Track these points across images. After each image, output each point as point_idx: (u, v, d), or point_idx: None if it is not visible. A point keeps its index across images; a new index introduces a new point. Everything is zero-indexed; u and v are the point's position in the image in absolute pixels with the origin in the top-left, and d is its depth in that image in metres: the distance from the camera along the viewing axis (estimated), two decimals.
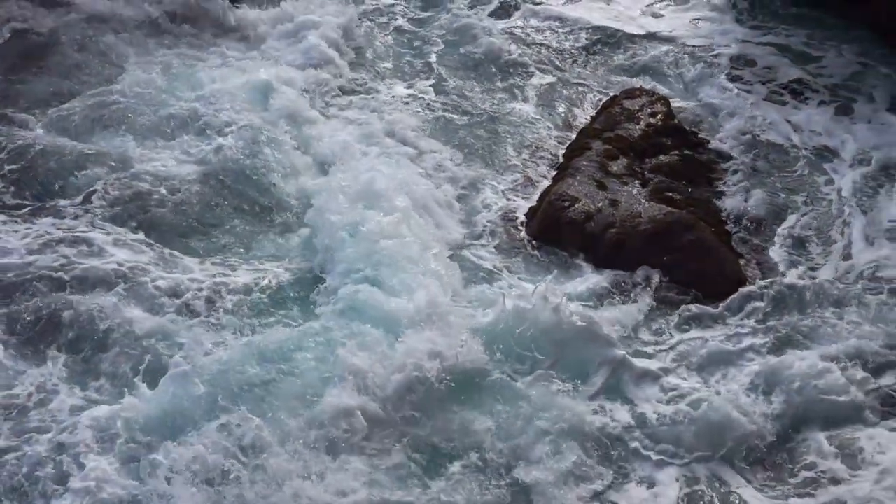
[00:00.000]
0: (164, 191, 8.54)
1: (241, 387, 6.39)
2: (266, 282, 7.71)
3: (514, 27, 12.40)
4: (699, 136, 9.98)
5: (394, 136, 9.75)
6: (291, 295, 7.63)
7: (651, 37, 12.37)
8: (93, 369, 6.73)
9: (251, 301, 7.49)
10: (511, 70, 11.31)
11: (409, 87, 10.94)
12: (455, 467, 6.18)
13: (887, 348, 7.11)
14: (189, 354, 6.57)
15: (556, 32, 12.47)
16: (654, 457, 6.42)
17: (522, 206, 8.99)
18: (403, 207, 8.09)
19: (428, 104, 10.56)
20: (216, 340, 6.95)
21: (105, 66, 10.40)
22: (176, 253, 7.95)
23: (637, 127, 9.68)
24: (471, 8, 12.64)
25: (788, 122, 10.30)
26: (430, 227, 8.25)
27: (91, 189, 8.46)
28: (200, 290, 7.51)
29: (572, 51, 11.98)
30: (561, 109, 10.65)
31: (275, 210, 8.65)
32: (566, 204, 8.55)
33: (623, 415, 6.66)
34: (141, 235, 8.07)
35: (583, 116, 10.46)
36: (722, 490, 6.23)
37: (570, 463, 6.18)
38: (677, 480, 6.27)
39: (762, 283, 7.87)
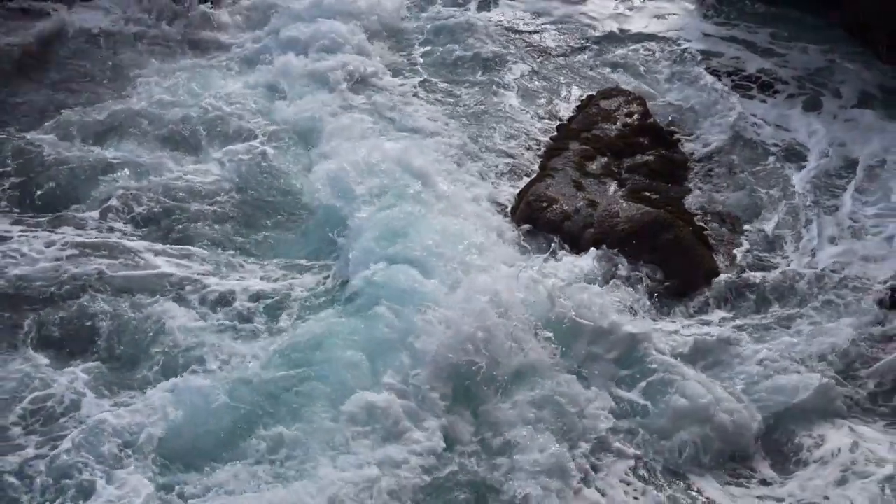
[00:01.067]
0: (187, 199, 8.60)
1: (270, 393, 6.42)
2: (299, 282, 7.81)
3: (496, 22, 12.79)
4: (675, 135, 10.32)
5: (393, 124, 10.11)
6: (323, 291, 7.71)
7: (624, 32, 12.81)
8: (123, 378, 6.70)
9: (283, 304, 7.54)
10: (493, 64, 11.68)
11: (397, 79, 11.21)
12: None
13: (845, 342, 7.46)
14: (216, 363, 6.63)
15: (531, 26, 12.85)
16: (622, 441, 6.69)
17: (509, 192, 9.29)
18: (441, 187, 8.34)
19: (416, 94, 10.85)
20: (247, 347, 6.93)
21: (113, 75, 10.50)
22: (205, 260, 7.99)
23: (614, 127, 9.98)
24: (454, 5, 12.99)
25: (760, 118, 10.71)
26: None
27: (109, 198, 8.47)
28: (231, 297, 7.57)
29: (549, 45, 12.37)
30: (542, 101, 10.98)
31: (299, 210, 8.75)
32: (544, 205, 8.79)
33: (591, 397, 6.88)
34: (167, 244, 8.13)
35: (563, 108, 10.80)
36: (675, 474, 6.56)
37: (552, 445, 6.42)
38: (636, 461, 6.57)
39: (733, 279, 8.23)
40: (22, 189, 8.55)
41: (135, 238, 8.16)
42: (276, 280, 7.86)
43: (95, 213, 8.34)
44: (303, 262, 8.14)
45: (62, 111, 9.59)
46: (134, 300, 7.34)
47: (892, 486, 6.24)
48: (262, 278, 7.86)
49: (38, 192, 8.51)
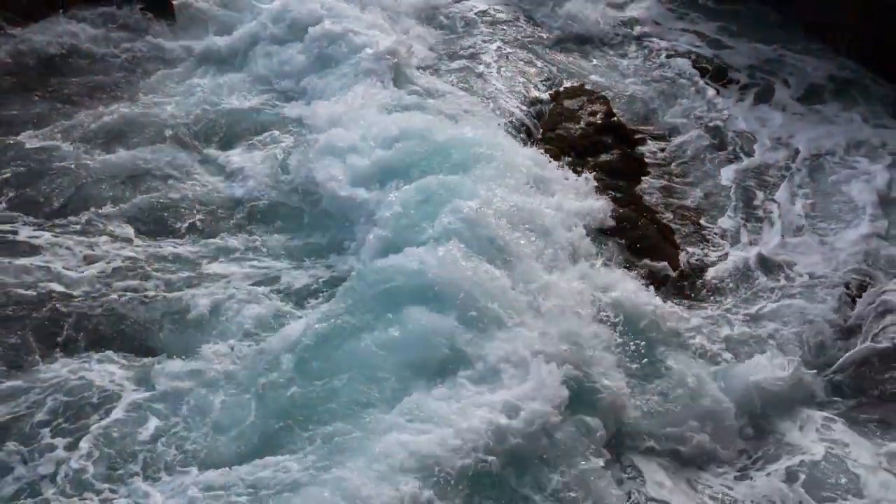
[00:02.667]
0: (210, 200, 8.63)
1: (312, 391, 6.33)
2: (340, 274, 7.74)
3: (464, 11, 13.29)
4: (637, 134, 10.67)
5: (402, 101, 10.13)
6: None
7: (592, 24, 13.19)
8: (159, 379, 6.55)
9: (328, 298, 7.42)
10: (474, 52, 12.16)
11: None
12: None
13: (802, 334, 7.85)
14: (255, 364, 6.56)
15: (506, 15, 13.41)
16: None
17: None
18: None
19: (407, 80, 10.96)
20: (290, 344, 6.69)
21: (115, 85, 10.41)
22: (235, 260, 7.94)
23: (577, 126, 10.30)
24: None
25: (721, 112, 11.15)
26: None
27: (128, 204, 8.43)
28: (269, 295, 7.50)
29: (521, 35, 12.90)
30: (520, 80, 11.43)
31: (329, 201, 8.61)
32: None
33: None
34: (194, 245, 8.09)
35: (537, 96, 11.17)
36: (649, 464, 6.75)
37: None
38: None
39: (694, 273, 8.64)
40: (39, 198, 8.37)
41: (153, 242, 8.06)
42: (316, 273, 7.84)
43: (111, 216, 8.25)
44: (342, 252, 8.13)
45: (67, 120, 9.48)
46: (165, 303, 7.27)
47: (806, 473, 6.57)
48: (297, 273, 7.81)
49: (62, 200, 8.36)
